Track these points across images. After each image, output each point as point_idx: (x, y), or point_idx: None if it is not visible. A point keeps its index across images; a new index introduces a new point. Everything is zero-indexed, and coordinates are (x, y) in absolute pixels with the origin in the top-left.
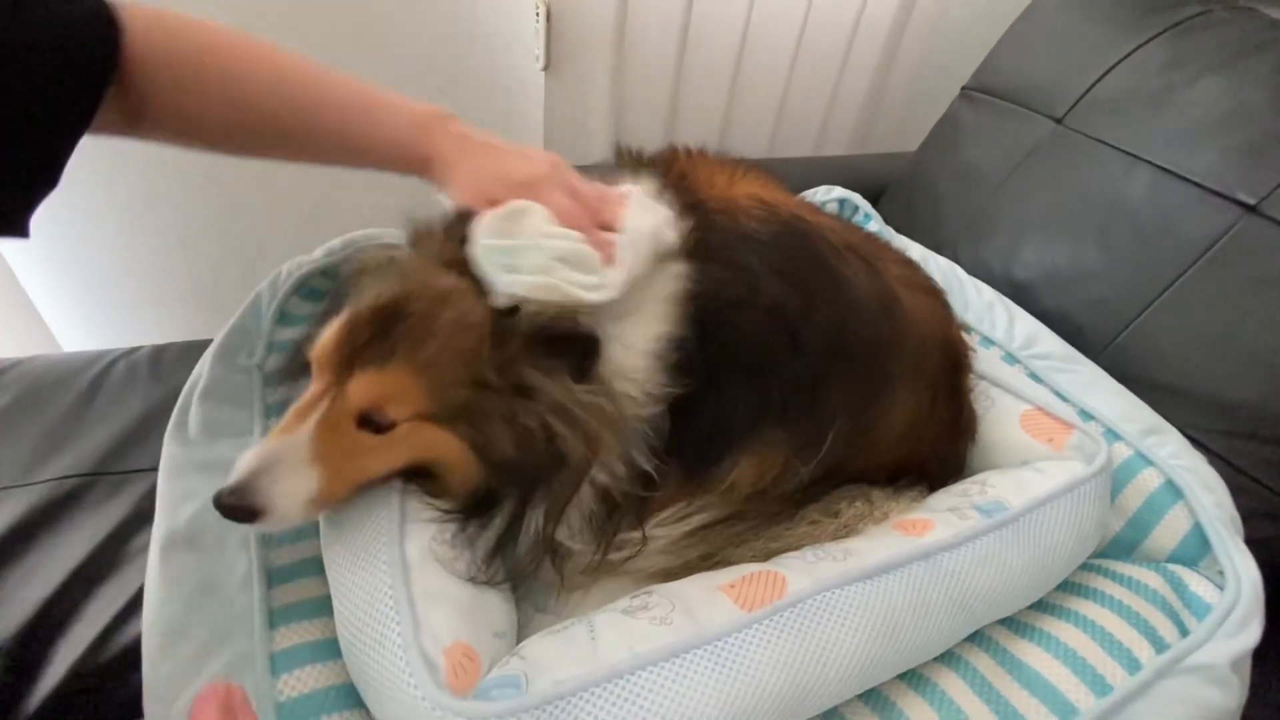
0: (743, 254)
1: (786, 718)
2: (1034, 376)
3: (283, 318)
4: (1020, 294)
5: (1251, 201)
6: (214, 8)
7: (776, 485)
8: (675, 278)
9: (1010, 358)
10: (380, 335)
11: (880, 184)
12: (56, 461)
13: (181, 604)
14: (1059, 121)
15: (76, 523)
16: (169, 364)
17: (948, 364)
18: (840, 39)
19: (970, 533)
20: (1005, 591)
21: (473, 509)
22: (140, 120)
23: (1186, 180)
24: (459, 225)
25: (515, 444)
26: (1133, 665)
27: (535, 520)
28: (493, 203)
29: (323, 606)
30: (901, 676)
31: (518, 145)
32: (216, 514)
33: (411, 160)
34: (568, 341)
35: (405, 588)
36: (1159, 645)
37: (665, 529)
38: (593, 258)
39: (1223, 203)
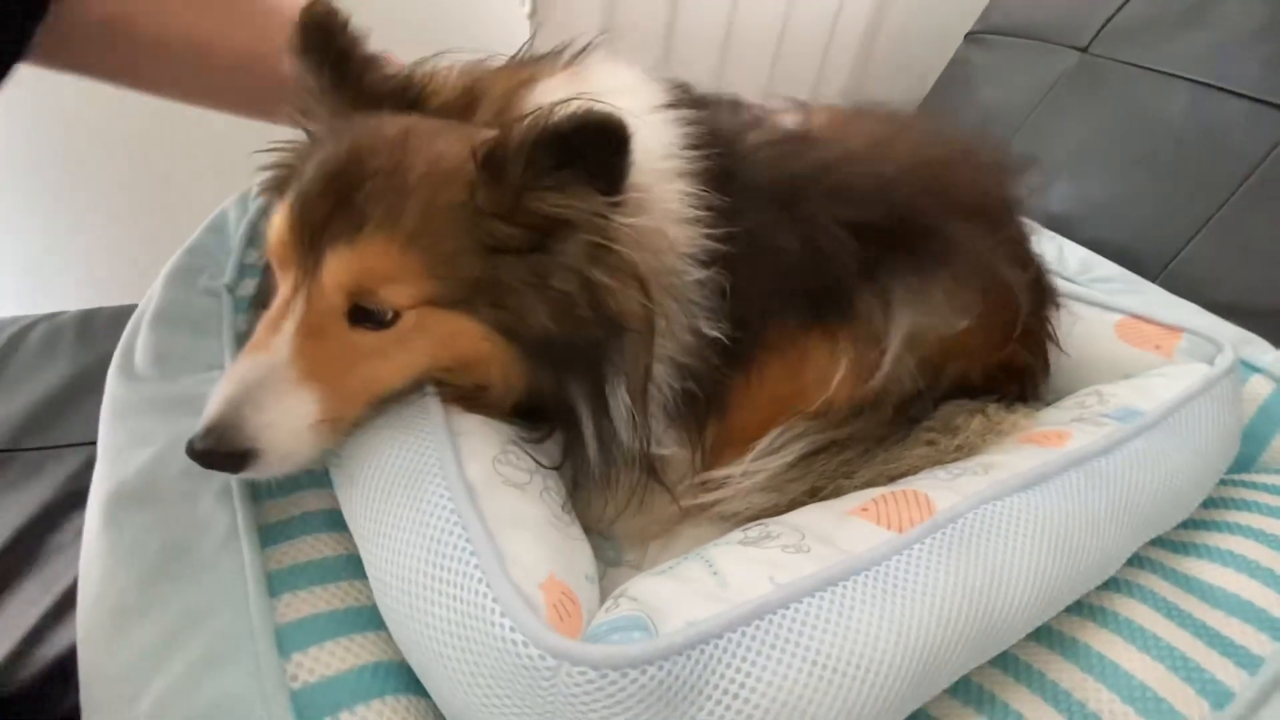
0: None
1: (972, 654)
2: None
3: (254, 240)
4: (1060, 227)
5: None
6: None
7: (880, 397)
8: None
9: (1070, 283)
10: (342, 205)
11: None
12: None
13: (139, 575)
14: (1084, 50)
15: None
16: (101, 328)
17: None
18: None
19: (1117, 437)
20: (1169, 497)
21: (531, 416)
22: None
23: (1230, 93)
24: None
25: (553, 315)
26: None
27: (622, 400)
28: None
29: (339, 568)
30: (1072, 610)
31: None
32: (182, 461)
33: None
34: (586, 140)
35: (475, 511)
36: None
37: (763, 461)
38: None
39: (1272, 111)
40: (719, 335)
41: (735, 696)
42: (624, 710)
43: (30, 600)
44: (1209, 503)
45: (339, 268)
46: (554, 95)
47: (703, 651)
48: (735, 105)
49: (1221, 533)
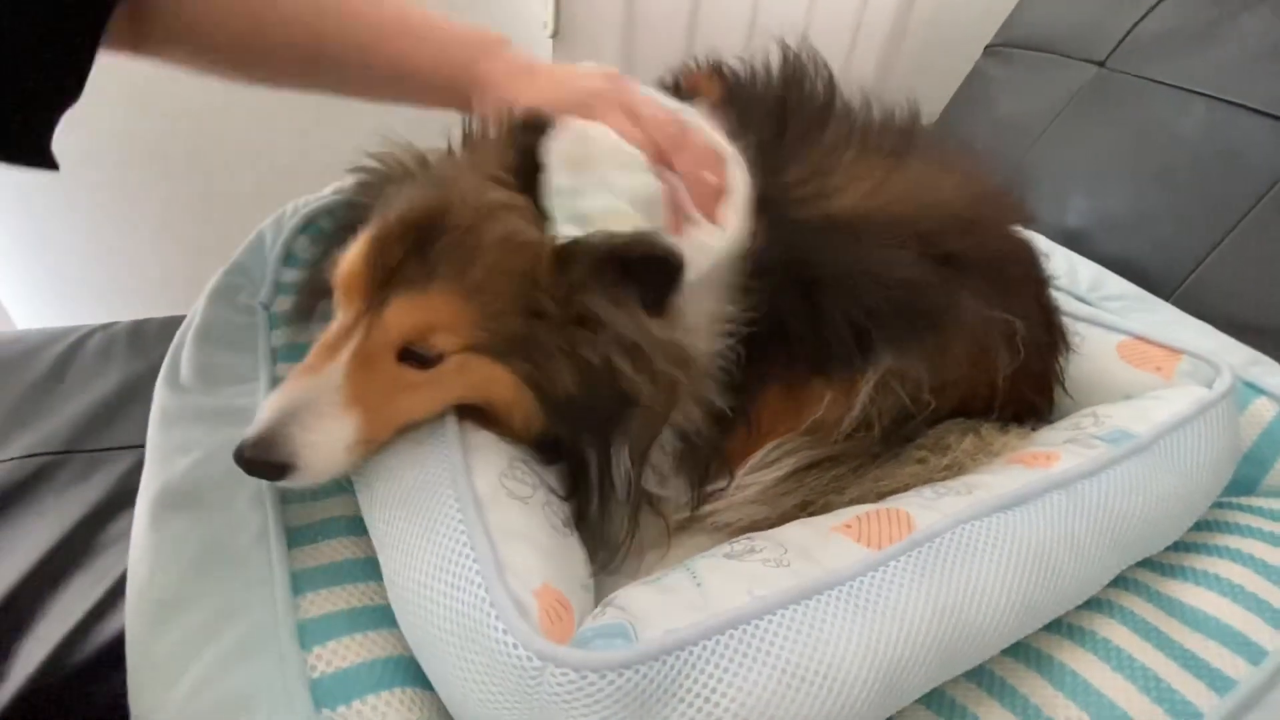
0: None
1: (941, 668)
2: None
3: (289, 259)
4: (1075, 243)
5: None
6: None
7: (879, 418)
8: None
9: (1081, 301)
10: (417, 252)
11: None
12: (20, 439)
13: (180, 570)
14: (1102, 64)
15: (44, 506)
16: (151, 338)
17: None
18: (850, 8)
19: (1106, 460)
20: (1155, 521)
21: (542, 449)
22: (150, 34)
23: (1248, 109)
24: (519, 134)
25: (578, 382)
26: None
27: (623, 463)
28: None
29: (356, 570)
30: (1051, 628)
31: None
32: (221, 467)
33: (458, 84)
34: (645, 266)
35: (481, 522)
36: None
37: (756, 475)
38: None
39: None
40: (725, 409)
41: (707, 700)
42: (601, 709)
43: (83, 592)
44: (1202, 525)
45: (404, 311)
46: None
47: (677, 657)
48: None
49: (1210, 556)
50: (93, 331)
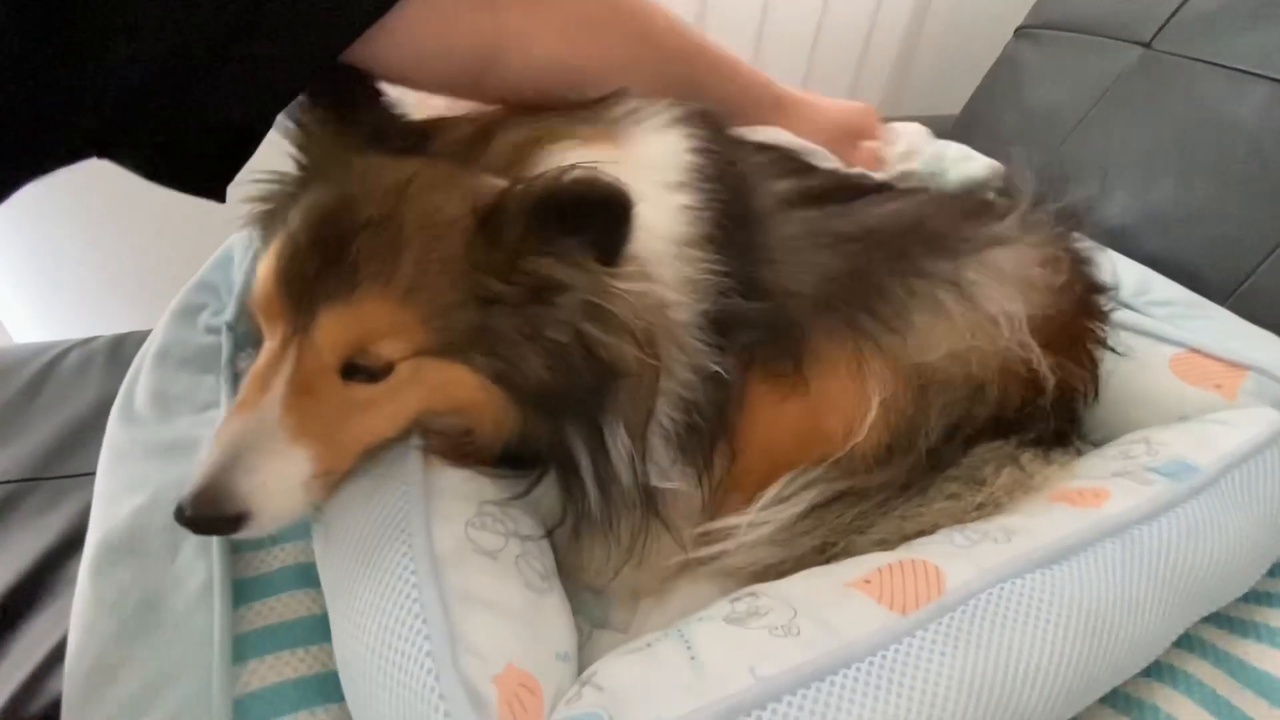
0: None
1: None
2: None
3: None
4: (1118, 242)
5: None
6: None
7: (911, 438)
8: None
9: (1125, 307)
10: (333, 258)
11: None
12: None
13: (114, 632)
14: (1148, 45)
15: (8, 538)
16: (130, 354)
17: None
18: None
19: (1167, 500)
20: (1221, 572)
21: (517, 463)
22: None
23: None
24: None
25: (548, 365)
26: None
27: (621, 442)
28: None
29: (313, 630)
30: (1105, 700)
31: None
32: (168, 510)
33: (760, 109)
34: (587, 207)
35: (435, 587)
36: None
37: (771, 511)
38: None
39: None
40: (721, 370)
41: None
42: None
43: (41, 634)
44: (1275, 569)
45: (334, 327)
46: (571, 157)
47: None
48: (766, 165)
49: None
50: (71, 347)
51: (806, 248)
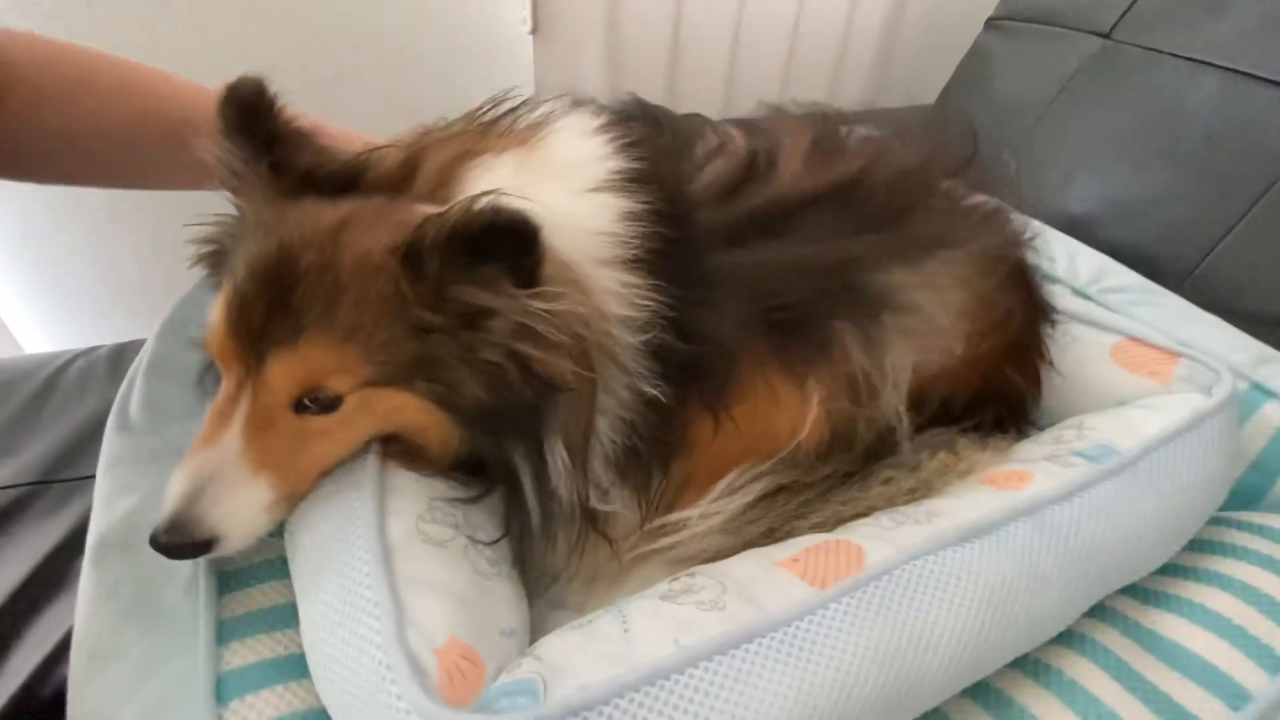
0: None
1: (886, 717)
2: (1111, 313)
3: None
4: (1079, 228)
5: None
6: None
7: (853, 437)
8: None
9: (1080, 294)
10: (279, 306)
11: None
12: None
13: (113, 617)
14: (1106, 36)
15: (17, 538)
16: (130, 360)
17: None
18: None
19: (1080, 481)
20: (1131, 550)
21: (470, 471)
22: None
23: (1264, 81)
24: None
25: (485, 385)
26: None
27: (559, 458)
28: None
29: (286, 616)
30: (1015, 665)
31: None
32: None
33: None
34: (495, 235)
35: (385, 573)
36: None
37: (722, 502)
38: None
39: None
40: (658, 394)
41: None
42: None
43: (52, 625)
44: (1193, 544)
45: (282, 370)
46: (495, 173)
47: (583, 718)
48: (693, 152)
49: (1199, 583)
50: (75, 357)
51: (737, 277)
